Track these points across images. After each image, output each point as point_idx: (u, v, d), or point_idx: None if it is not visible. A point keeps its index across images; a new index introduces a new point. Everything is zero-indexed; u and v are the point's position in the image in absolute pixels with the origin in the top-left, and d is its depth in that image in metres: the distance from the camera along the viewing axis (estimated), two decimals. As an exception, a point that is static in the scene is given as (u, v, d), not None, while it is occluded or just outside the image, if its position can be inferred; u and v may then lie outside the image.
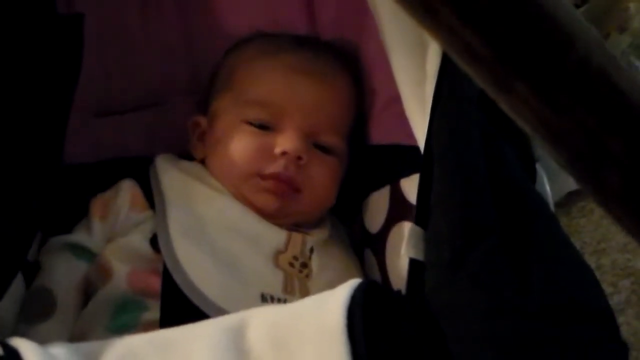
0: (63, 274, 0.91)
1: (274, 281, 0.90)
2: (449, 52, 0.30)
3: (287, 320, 0.68)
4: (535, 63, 0.28)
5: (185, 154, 1.04)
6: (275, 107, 0.97)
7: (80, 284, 0.91)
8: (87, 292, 0.91)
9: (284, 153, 0.94)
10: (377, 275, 0.94)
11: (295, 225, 0.98)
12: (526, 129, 0.31)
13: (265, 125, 0.97)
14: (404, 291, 0.79)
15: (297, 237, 0.95)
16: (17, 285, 0.87)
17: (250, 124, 0.97)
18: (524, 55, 0.28)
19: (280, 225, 0.95)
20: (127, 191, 0.96)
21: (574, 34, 0.29)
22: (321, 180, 0.97)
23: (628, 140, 0.30)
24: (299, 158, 0.94)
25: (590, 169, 0.31)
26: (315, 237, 0.97)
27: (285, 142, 0.95)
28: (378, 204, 0.96)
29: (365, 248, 0.99)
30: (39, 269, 0.92)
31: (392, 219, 0.92)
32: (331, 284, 0.80)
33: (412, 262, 0.77)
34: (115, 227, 0.94)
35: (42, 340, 0.84)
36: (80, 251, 0.94)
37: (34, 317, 0.88)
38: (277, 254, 0.93)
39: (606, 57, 0.29)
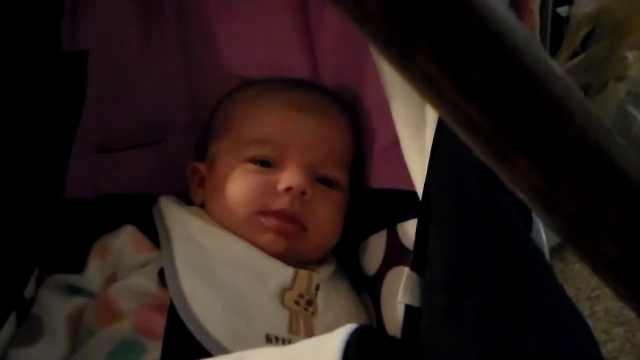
0: (54, 302, 0.91)
1: (279, 321, 0.89)
2: (448, 122, 0.31)
3: (284, 364, 0.68)
4: (534, 137, 0.29)
5: (184, 192, 1.05)
6: (276, 143, 0.97)
7: (72, 314, 0.91)
8: (87, 328, 0.90)
9: (288, 189, 0.94)
10: (372, 319, 0.94)
11: (302, 262, 0.97)
12: (524, 199, 0.32)
13: (267, 162, 0.97)
14: (399, 336, 0.79)
15: (303, 274, 0.94)
16: (10, 322, 0.86)
17: (252, 162, 0.97)
18: (523, 129, 0.29)
19: (286, 262, 0.95)
20: (128, 235, 0.96)
21: (573, 109, 0.29)
22: (326, 214, 0.97)
23: (624, 213, 0.30)
24: (303, 193, 0.94)
25: (587, 240, 0.31)
26: (322, 273, 0.97)
27: (289, 178, 0.94)
28: (374, 248, 0.96)
29: (362, 291, 0.99)
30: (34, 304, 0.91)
31: (388, 263, 0.92)
32: (337, 322, 0.80)
33: (408, 308, 0.77)
34: (116, 268, 0.94)
35: None
36: (75, 291, 0.94)
37: (21, 341, 0.87)
38: (283, 291, 0.92)
39: (603, 132, 0.30)
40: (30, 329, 0.89)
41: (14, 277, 0.88)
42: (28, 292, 0.90)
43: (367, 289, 0.98)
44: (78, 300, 0.92)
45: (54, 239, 0.99)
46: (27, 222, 0.92)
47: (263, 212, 0.95)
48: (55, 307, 0.91)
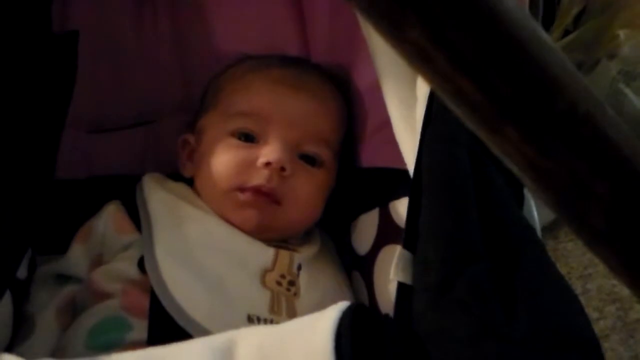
0: (44, 298, 0.91)
1: (260, 301, 0.89)
2: (441, 95, 0.31)
3: (275, 342, 0.68)
4: (525, 109, 0.29)
5: (175, 173, 1.04)
6: (260, 117, 0.97)
7: (62, 305, 0.91)
8: (75, 313, 0.90)
9: (267, 164, 0.94)
10: (364, 297, 0.94)
11: (283, 241, 0.97)
12: (514, 170, 0.32)
13: (250, 135, 0.97)
14: (391, 314, 0.79)
15: (284, 254, 0.94)
16: (6, 303, 0.86)
17: (235, 136, 0.97)
18: (514, 101, 0.29)
19: (267, 242, 0.95)
20: (110, 215, 0.96)
21: (563, 81, 0.30)
22: (305, 192, 0.97)
23: (613, 183, 0.31)
24: (283, 169, 0.94)
25: (576, 210, 0.31)
26: (304, 253, 0.97)
27: (269, 153, 0.94)
28: (366, 226, 0.96)
29: (353, 270, 0.99)
30: (28, 292, 0.92)
31: (381, 241, 0.93)
32: (320, 303, 0.80)
33: (400, 286, 0.77)
34: (101, 250, 0.94)
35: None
36: (64, 279, 0.94)
37: (17, 339, 0.87)
38: (264, 272, 0.92)
39: (593, 103, 0.30)
40: (24, 326, 0.88)
41: (6, 257, 0.88)
42: (21, 273, 0.90)
43: (358, 268, 0.98)
44: (67, 290, 0.92)
45: (46, 218, 0.98)
46: (19, 203, 0.92)
47: (241, 188, 0.95)
48: (45, 302, 0.90)
